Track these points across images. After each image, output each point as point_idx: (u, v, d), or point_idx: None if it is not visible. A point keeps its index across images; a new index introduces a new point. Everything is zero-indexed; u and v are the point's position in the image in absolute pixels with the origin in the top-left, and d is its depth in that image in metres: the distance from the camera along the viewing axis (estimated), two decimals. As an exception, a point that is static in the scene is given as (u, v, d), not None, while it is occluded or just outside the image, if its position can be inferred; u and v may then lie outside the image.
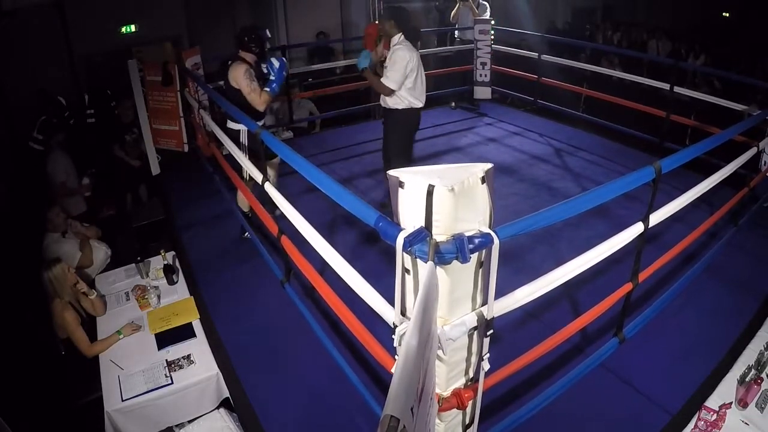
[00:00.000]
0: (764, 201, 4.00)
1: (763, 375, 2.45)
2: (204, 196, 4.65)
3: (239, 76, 3.57)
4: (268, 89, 3.66)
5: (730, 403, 2.35)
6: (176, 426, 2.77)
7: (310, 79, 7.92)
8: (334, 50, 8.86)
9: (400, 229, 1.58)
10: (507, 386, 2.46)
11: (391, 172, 1.66)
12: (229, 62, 3.71)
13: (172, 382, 2.72)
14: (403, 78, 3.79)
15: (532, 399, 2.26)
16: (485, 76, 6.75)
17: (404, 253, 1.59)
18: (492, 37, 6.57)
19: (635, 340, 2.74)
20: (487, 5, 6.85)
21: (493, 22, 6.59)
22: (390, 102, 3.96)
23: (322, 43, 8.56)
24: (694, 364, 2.71)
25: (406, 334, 1.13)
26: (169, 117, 5.01)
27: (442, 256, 1.52)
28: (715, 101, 5.05)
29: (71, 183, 4.77)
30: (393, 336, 1.74)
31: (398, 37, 3.85)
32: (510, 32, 7.20)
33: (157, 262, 3.62)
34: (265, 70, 3.75)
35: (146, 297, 3.27)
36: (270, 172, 3.54)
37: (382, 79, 3.83)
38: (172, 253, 3.76)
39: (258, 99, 3.61)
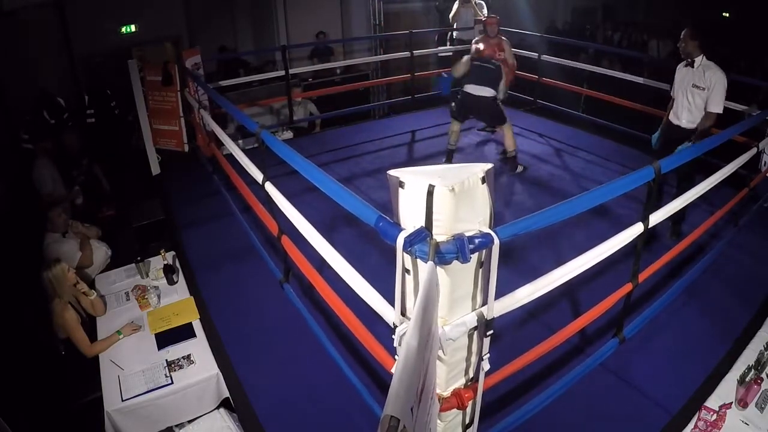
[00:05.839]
0: (764, 201, 4.00)
1: (763, 375, 2.45)
2: (204, 196, 4.65)
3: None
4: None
5: (730, 403, 2.35)
6: (176, 426, 2.77)
7: (310, 79, 7.94)
8: (334, 50, 8.86)
9: (401, 229, 1.58)
10: (507, 386, 2.46)
11: (392, 172, 1.66)
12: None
13: (172, 382, 2.72)
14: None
15: (532, 399, 2.26)
16: (485, 76, 6.73)
17: (404, 253, 1.59)
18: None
19: (635, 340, 2.75)
20: (484, 4, 6.85)
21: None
22: (690, 119, 3.69)
23: (322, 43, 8.57)
24: (694, 364, 2.71)
25: (406, 334, 1.13)
26: (169, 117, 5.01)
27: (443, 256, 1.51)
28: (715, 101, 5.04)
29: (58, 191, 4.66)
30: (393, 336, 1.74)
31: (703, 58, 3.61)
32: (510, 32, 7.19)
33: (157, 262, 3.62)
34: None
35: (146, 297, 3.27)
36: None
37: (712, 108, 3.57)
38: (172, 253, 3.75)
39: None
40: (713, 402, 2.37)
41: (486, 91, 4.87)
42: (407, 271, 1.68)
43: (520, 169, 5.16)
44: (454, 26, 7.02)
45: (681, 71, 3.75)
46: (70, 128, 5.46)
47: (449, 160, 5.31)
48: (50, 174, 4.60)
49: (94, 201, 5.05)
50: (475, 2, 6.78)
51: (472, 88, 4.93)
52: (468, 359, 1.85)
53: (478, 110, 5.14)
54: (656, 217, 2.48)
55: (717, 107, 3.57)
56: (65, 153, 5.00)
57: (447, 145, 5.27)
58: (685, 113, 3.72)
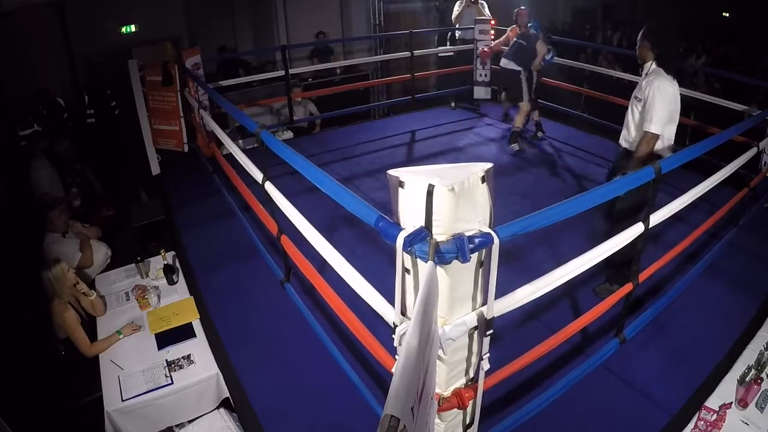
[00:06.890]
0: (764, 201, 4.00)
1: (763, 375, 2.45)
2: (204, 196, 4.64)
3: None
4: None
5: (730, 403, 2.35)
6: (176, 426, 2.77)
7: (310, 79, 7.94)
8: (334, 50, 8.87)
9: (401, 229, 1.58)
10: (507, 386, 2.46)
11: (391, 172, 1.66)
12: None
13: (172, 382, 2.72)
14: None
15: (532, 399, 2.26)
16: (485, 76, 6.75)
17: (404, 253, 1.59)
18: (492, 36, 6.57)
19: (636, 340, 2.74)
20: (485, 3, 6.85)
21: (493, 22, 6.59)
22: (625, 136, 3.14)
23: (322, 43, 8.57)
24: (694, 364, 2.71)
25: (406, 334, 1.13)
26: (169, 117, 5.01)
27: (443, 255, 1.51)
28: (715, 101, 5.05)
29: (56, 192, 4.67)
30: (393, 336, 1.74)
31: (652, 63, 3.05)
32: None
33: (157, 262, 3.62)
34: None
35: (146, 297, 3.27)
36: None
37: (645, 125, 2.89)
38: (172, 253, 3.75)
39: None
40: (713, 402, 2.37)
41: (512, 65, 5.54)
42: (407, 270, 1.68)
43: (515, 147, 5.49)
44: (457, 26, 7.02)
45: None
46: (64, 135, 5.47)
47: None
48: (48, 175, 4.61)
49: (91, 203, 5.05)
50: (479, 2, 6.79)
51: (503, 62, 5.65)
52: (468, 359, 1.85)
53: (504, 81, 5.75)
54: (657, 217, 2.48)
55: (649, 125, 2.85)
56: (59, 159, 5.01)
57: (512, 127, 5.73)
58: (624, 129, 3.17)
